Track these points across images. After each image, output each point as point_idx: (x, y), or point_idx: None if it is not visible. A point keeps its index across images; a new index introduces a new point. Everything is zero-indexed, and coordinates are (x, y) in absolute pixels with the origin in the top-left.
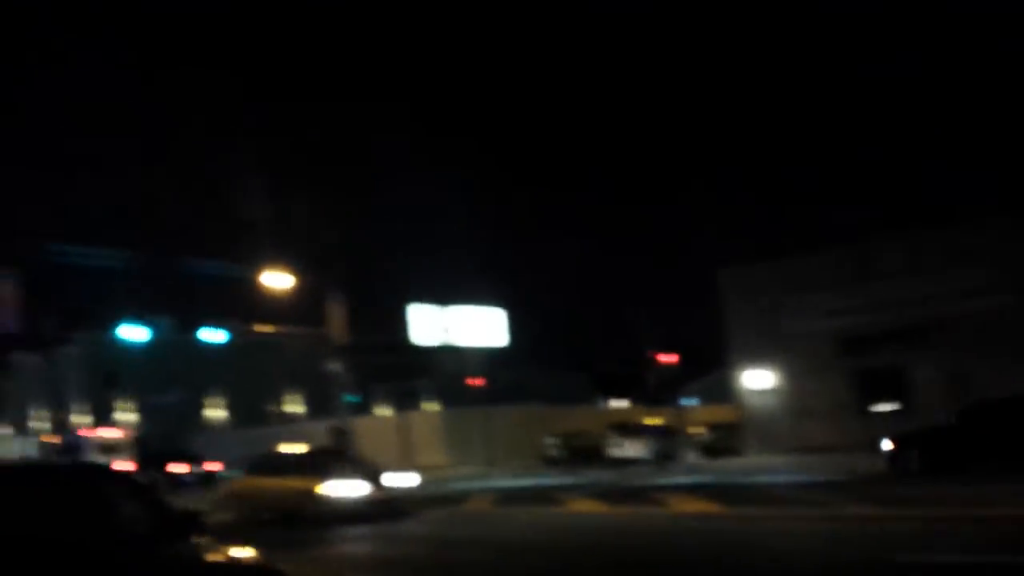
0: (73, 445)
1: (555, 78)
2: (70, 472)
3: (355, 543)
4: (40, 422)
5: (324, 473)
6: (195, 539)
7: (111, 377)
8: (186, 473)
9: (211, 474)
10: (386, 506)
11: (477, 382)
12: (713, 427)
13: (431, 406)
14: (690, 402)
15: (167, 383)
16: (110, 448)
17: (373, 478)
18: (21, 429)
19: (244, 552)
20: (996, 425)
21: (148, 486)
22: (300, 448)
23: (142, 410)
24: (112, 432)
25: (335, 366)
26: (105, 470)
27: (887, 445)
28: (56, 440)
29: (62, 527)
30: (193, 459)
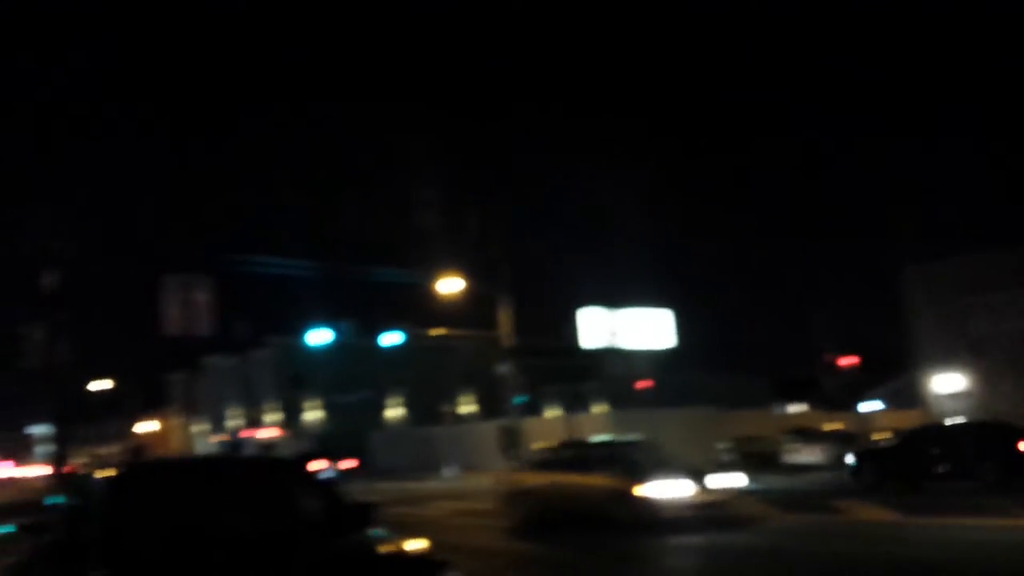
0: (236, 444)
1: (731, 78)
2: (256, 465)
3: (698, 556)
4: (235, 420)
5: (641, 470)
6: (369, 530)
7: (298, 378)
8: (323, 470)
9: (345, 472)
10: (714, 510)
11: (645, 384)
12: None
13: (599, 408)
14: (873, 407)
15: (349, 384)
16: (266, 447)
17: (697, 477)
18: (218, 427)
19: (416, 543)
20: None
21: (322, 482)
22: (604, 439)
23: (327, 409)
24: (268, 432)
25: (505, 368)
26: (286, 463)
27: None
28: (225, 438)
29: (247, 514)
30: (331, 458)
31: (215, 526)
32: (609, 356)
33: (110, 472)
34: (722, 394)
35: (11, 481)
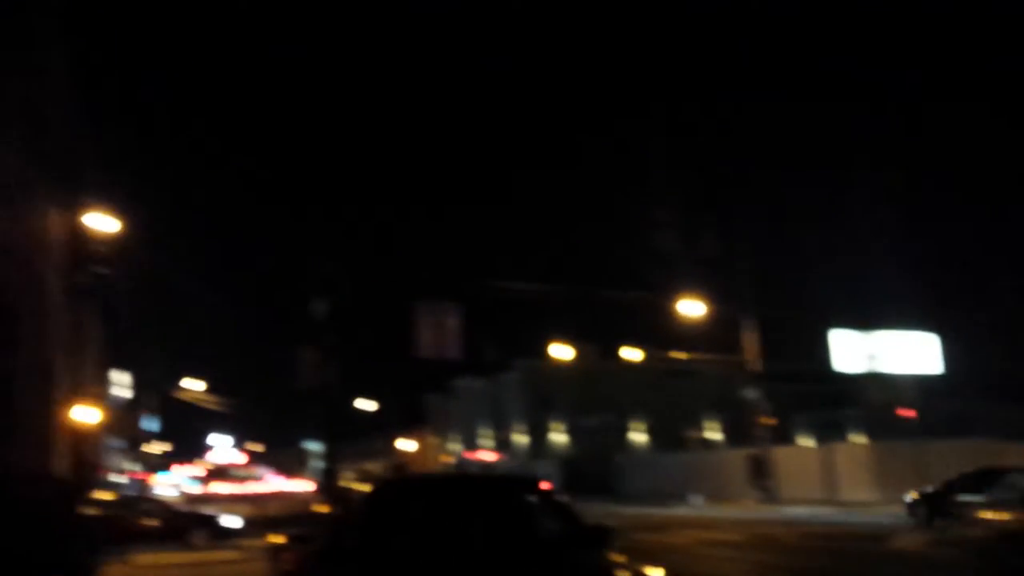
0: (461, 465)
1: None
2: (501, 482)
3: None
4: (485, 440)
5: None
6: (605, 552)
7: (544, 401)
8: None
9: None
10: None
11: (908, 413)
12: None
13: (858, 438)
14: None
15: (593, 407)
16: (486, 468)
17: None
18: (470, 446)
19: (654, 571)
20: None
21: (564, 500)
22: None
23: (570, 432)
24: (488, 456)
25: (751, 393)
26: (529, 482)
27: None
28: (450, 459)
29: (491, 527)
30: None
31: (462, 537)
32: (868, 382)
33: (368, 487)
34: (1003, 424)
35: (282, 494)
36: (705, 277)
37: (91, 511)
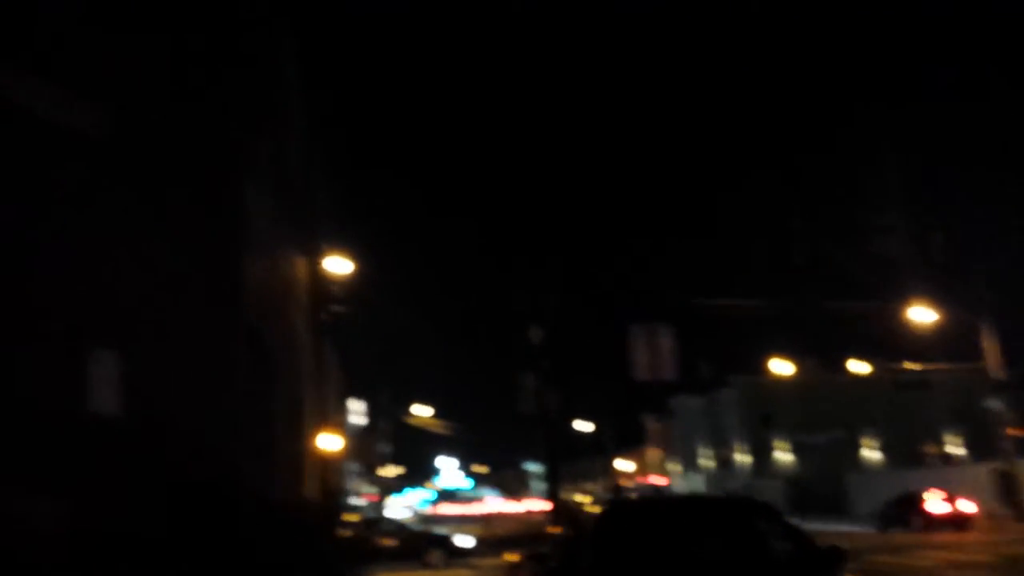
0: (620, 490)
1: None
2: (731, 504)
3: None
4: (706, 459)
5: None
6: (840, 574)
7: (766, 418)
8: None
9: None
10: None
11: None
12: None
13: None
14: None
15: (820, 424)
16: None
17: None
18: (690, 465)
19: None
20: None
21: (794, 524)
22: None
23: (795, 451)
24: (660, 480)
25: (994, 403)
26: (760, 505)
27: None
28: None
29: (722, 547)
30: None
31: (693, 555)
32: None
33: (598, 507)
34: None
35: (507, 515)
36: (936, 283)
37: (344, 533)
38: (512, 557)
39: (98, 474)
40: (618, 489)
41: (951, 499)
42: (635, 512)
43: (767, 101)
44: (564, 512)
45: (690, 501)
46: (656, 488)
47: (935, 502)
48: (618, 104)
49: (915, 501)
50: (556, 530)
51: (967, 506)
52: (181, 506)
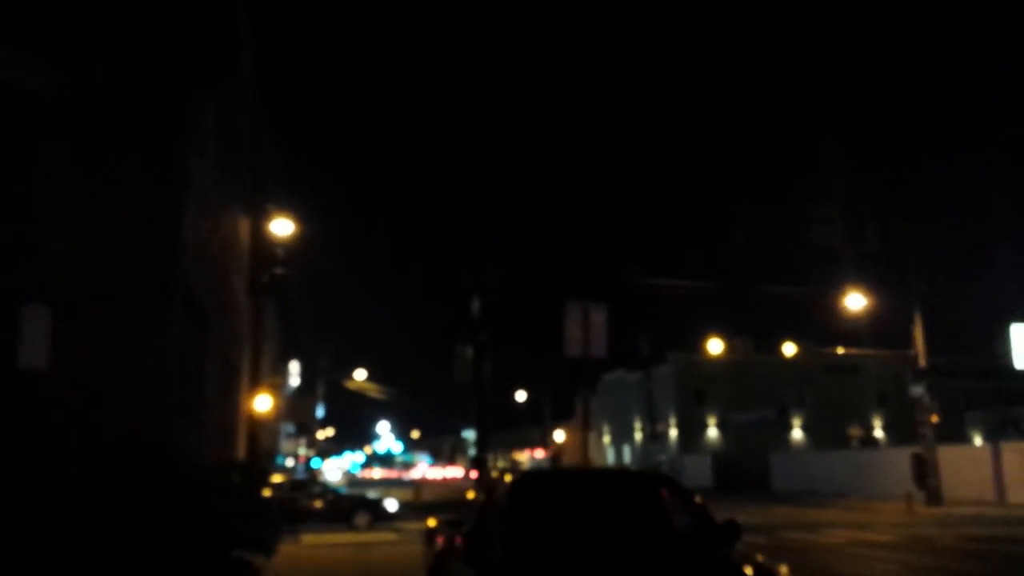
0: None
1: None
2: (635, 476)
3: None
4: (638, 433)
5: None
6: (735, 546)
7: (698, 395)
8: None
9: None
10: None
11: None
12: None
13: None
14: None
15: (749, 402)
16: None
17: None
18: (622, 439)
19: (777, 564)
20: None
21: (693, 496)
22: None
23: (723, 428)
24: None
25: (918, 390)
26: (665, 478)
27: None
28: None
29: (623, 516)
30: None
31: (598, 526)
32: None
33: (511, 476)
34: None
35: (441, 481)
36: (871, 271)
37: (269, 493)
38: (432, 522)
39: (26, 430)
40: (556, 458)
41: None
42: (544, 482)
43: (719, 88)
44: (483, 481)
45: (598, 474)
46: (554, 460)
47: None
48: (567, 82)
49: None
50: (474, 496)
51: None
52: (107, 464)
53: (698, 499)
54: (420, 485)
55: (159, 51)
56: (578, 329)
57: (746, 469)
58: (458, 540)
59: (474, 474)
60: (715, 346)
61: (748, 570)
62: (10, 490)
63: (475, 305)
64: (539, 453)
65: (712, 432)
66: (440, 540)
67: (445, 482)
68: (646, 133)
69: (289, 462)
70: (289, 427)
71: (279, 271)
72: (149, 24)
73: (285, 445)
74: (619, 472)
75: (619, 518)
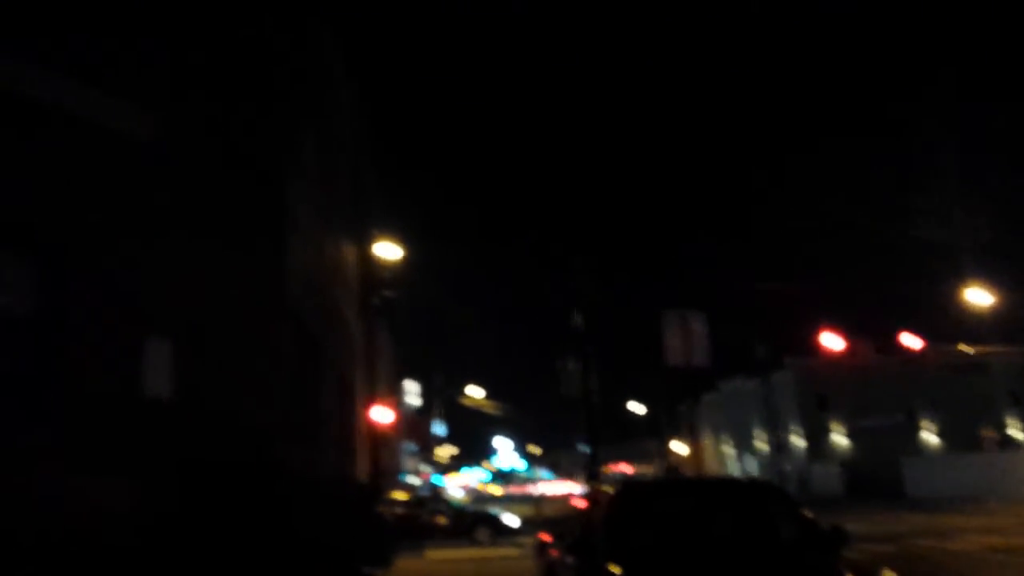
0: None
1: None
2: (743, 487)
3: None
4: (761, 443)
5: None
6: (842, 553)
7: (821, 400)
8: None
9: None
10: None
11: None
12: None
13: None
14: None
15: (875, 406)
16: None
17: None
18: (744, 448)
19: (881, 568)
20: None
21: (799, 504)
22: None
23: (851, 435)
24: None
25: None
26: (772, 488)
27: None
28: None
29: (729, 525)
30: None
31: (701, 534)
32: None
33: (612, 488)
34: None
35: (558, 497)
36: (989, 265)
37: (390, 510)
38: (544, 536)
39: (153, 455)
40: (672, 469)
41: None
42: (646, 492)
43: (813, 79)
44: (590, 493)
45: (701, 483)
46: (672, 470)
47: None
48: (659, 88)
49: None
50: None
51: None
52: (225, 485)
53: (803, 508)
54: (541, 500)
55: (256, 85)
56: (677, 338)
57: (877, 476)
58: (564, 551)
59: (586, 487)
60: (835, 342)
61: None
62: (142, 508)
63: (577, 319)
64: (655, 466)
65: (838, 439)
66: (553, 553)
67: (566, 497)
68: (742, 133)
69: (412, 479)
70: (411, 446)
71: (387, 293)
72: (245, 59)
73: (407, 463)
74: (722, 481)
75: (721, 526)
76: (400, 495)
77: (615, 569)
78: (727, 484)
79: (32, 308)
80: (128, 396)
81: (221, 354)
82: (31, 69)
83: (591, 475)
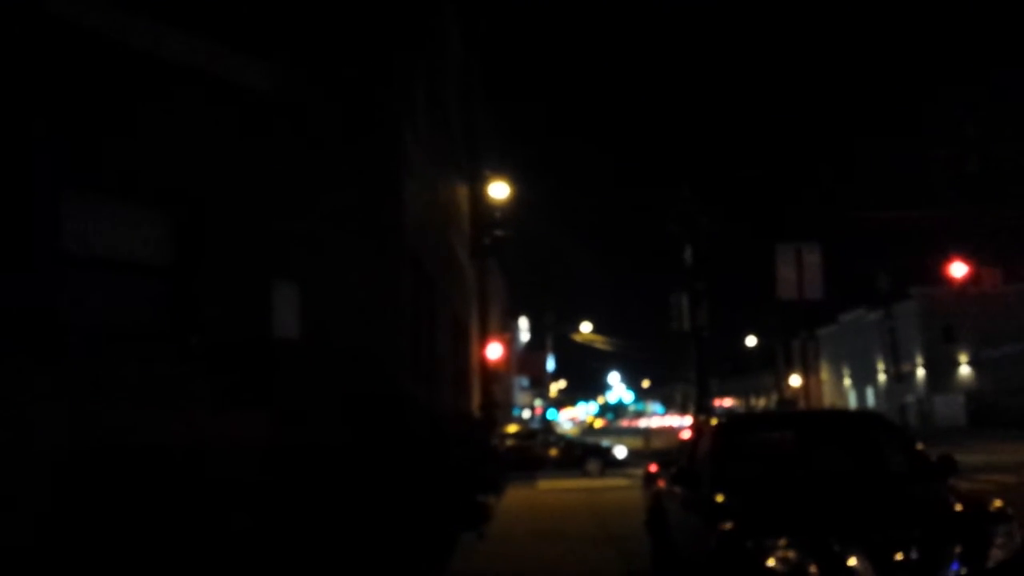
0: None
1: None
2: (844, 417)
3: None
4: (881, 374)
5: None
6: (949, 481)
7: (946, 331)
8: None
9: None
10: None
11: None
12: None
13: None
14: None
15: (1002, 336)
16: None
17: None
18: (864, 382)
19: (991, 497)
20: None
21: (905, 434)
22: None
23: (975, 365)
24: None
25: None
26: (877, 418)
27: None
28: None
29: (833, 455)
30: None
31: (799, 462)
32: None
33: (715, 420)
34: None
35: (667, 429)
36: None
37: (503, 443)
38: (651, 467)
39: (284, 391)
40: (786, 403)
41: None
42: (749, 424)
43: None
44: (696, 426)
45: (806, 415)
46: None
47: None
48: (776, 18)
49: None
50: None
51: None
52: (355, 416)
53: (910, 438)
54: (650, 433)
55: (370, 29)
56: (791, 271)
57: (1002, 407)
58: (670, 482)
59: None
60: (959, 269)
61: (957, 505)
62: (277, 441)
63: (687, 253)
64: (774, 398)
65: (963, 370)
66: (660, 483)
67: (675, 430)
68: (879, 58)
69: (525, 414)
70: (523, 381)
71: (498, 232)
72: (355, 7)
73: (520, 398)
74: (828, 413)
75: (825, 458)
76: (513, 428)
77: (720, 499)
78: (833, 416)
79: (170, 259)
80: (260, 337)
81: (344, 296)
82: (169, 29)
83: (700, 408)
